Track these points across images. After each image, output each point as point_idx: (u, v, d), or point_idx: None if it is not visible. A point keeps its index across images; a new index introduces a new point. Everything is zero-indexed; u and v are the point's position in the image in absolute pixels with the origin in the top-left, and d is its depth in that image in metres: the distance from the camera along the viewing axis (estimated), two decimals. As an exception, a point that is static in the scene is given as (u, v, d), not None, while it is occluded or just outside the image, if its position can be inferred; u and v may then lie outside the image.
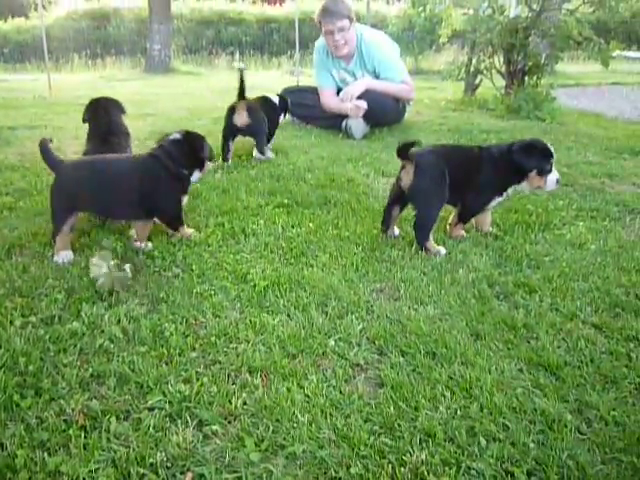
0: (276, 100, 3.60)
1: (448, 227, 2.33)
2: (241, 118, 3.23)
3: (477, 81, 6.54)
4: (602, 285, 1.89)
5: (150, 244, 2.12)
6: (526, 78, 5.72)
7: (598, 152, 3.87)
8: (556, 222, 2.46)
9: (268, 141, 3.51)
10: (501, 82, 5.97)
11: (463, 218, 2.30)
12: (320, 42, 4.47)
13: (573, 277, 1.95)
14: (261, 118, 3.30)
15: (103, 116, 2.69)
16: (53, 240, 2.02)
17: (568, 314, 1.71)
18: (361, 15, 11.21)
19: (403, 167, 2.17)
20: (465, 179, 2.21)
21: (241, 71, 3.28)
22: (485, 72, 6.12)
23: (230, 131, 3.30)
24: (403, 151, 2.14)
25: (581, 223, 2.46)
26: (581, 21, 5.51)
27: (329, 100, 4.38)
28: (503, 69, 5.88)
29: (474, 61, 6.33)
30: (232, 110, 3.27)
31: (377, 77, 4.33)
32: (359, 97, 4.15)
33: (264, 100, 3.55)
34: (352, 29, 4.19)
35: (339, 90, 4.41)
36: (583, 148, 3.97)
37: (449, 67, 6.52)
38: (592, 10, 5.39)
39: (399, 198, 2.20)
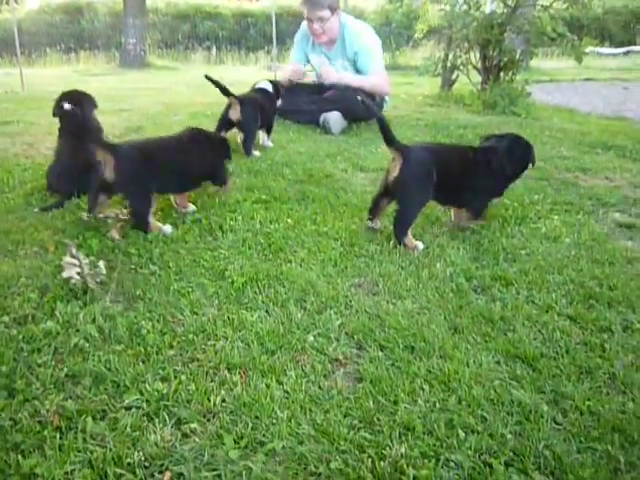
0: (270, 88, 3.60)
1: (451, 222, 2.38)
2: (235, 113, 3.26)
3: (454, 77, 6.58)
4: (576, 277, 1.92)
5: (193, 206, 2.37)
6: (502, 74, 5.77)
7: (572, 147, 3.93)
8: (531, 216, 2.49)
9: (269, 131, 3.58)
10: (477, 78, 6.02)
11: (473, 217, 2.33)
12: (304, 24, 4.54)
13: (548, 270, 1.98)
14: (252, 114, 3.31)
15: (75, 110, 2.63)
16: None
17: (544, 306, 1.74)
18: (338, 10, 11.15)
19: (393, 159, 2.17)
20: (457, 180, 2.22)
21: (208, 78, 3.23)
22: (461, 68, 6.17)
23: (222, 124, 3.35)
24: (392, 141, 2.13)
25: (556, 217, 2.50)
26: (555, 17, 5.58)
27: (286, 70, 4.59)
28: (479, 65, 5.93)
29: (450, 57, 6.37)
30: (229, 105, 3.31)
31: (355, 65, 4.37)
32: (333, 89, 4.21)
33: (259, 92, 3.57)
34: (334, 19, 4.23)
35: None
36: (557, 143, 4.03)
37: (426, 62, 6.55)
38: (566, 7, 5.46)
39: (387, 190, 2.20)
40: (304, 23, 4.55)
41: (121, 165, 2.11)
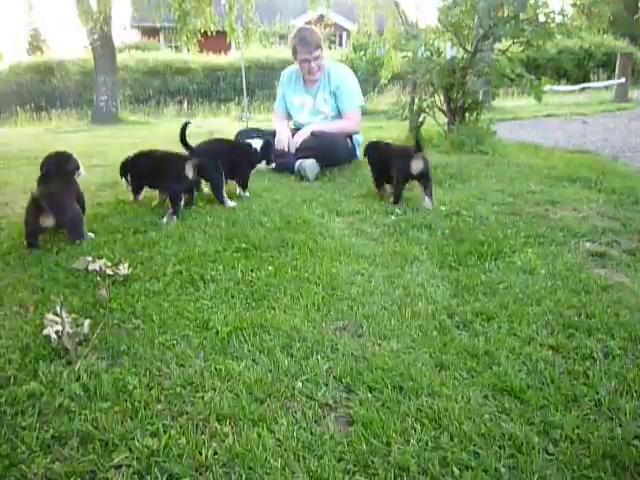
0: (258, 146, 3.65)
1: None
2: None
3: (421, 119, 6.78)
4: (555, 308, 1.97)
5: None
6: (467, 114, 5.98)
7: (539, 181, 4.06)
8: (506, 250, 2.55)
9: (241, 185, 3.59)
10: (444, 119, 6.22)
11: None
12: (287, 70, 4.79)
13: (527, 302, 2.02)
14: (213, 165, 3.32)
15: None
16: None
17: (526, 338, 1.77)
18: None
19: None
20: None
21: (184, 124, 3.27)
22: (428, 110, 6.37)
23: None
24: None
25: (530, 249, 2.56)
26: (513, 59, 5.85)
27: (276, 121, 4.82)
28: (444, 107, 6.14)
29: (416, 100, 6.59)
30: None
31: (335, 99, 4.60)
32: (308, 138, 4.34)
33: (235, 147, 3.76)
34: (322, 56, 4.51)
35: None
36: (525, 178, 4.15)
37: (393, 107, 6.75)
38: (522, 49, 5.73)
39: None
40: (283, 72, 4.81)
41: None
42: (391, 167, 3.39)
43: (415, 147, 3.30)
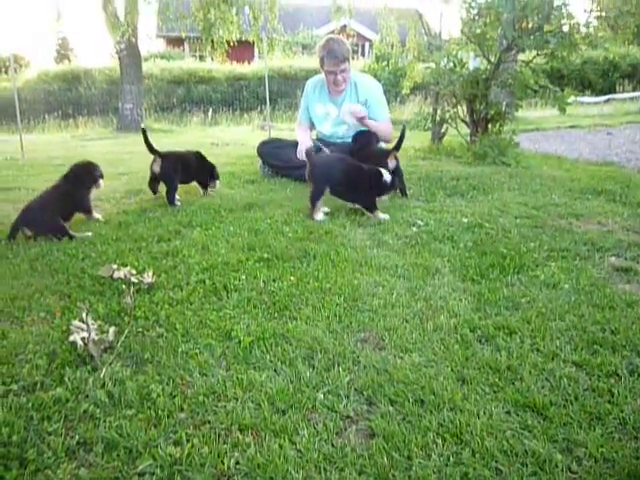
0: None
1: None
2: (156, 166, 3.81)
3: (443, 130, 6.78)
4: (578, 323, 1.95)
5: None
6: (489, 126, 5.96)
7: (563, 193, 4.03)
8: (529, 264, 2.53)
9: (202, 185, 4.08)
10: (466, 130, 6.21)
11: None
12: (312, 79, 4.79)
13: (550, 317, 2.00)
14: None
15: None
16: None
17: (549, 354, 1.75)
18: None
19: None
20: None
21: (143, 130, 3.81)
22: (450, 121, 6.37)
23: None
24: None
25: (553, 263, 2.54)
26: (536, 71, 5.82)
27: (299, 133, 4.79)
28: (467, 118, 6.13)
29: (439, 111, 6.59)
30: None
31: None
32: (328, 146, 4.43)
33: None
34: (350, 67, 4.49)
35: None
36: (549, 190, 4.12)
37: (416, 117, 6.76)
38: (545, 61, 5.70)
39: None
40: (308, 82, 4.81)
41: None
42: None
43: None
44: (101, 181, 3.32)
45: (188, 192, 4.02)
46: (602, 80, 19.35)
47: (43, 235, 2.92)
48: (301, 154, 4.42)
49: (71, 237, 2.92)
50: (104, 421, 1.41)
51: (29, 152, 7.40)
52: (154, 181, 3.87)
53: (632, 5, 10.04)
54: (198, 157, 4.07)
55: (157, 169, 3.74)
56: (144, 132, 3.81)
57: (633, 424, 1.40)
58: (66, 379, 1.59)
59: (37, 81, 17.44)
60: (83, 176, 3.26)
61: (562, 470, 1.24)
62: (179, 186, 3.81)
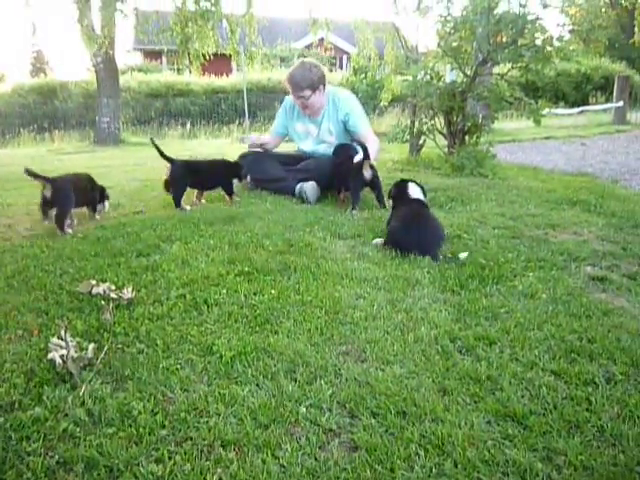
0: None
1: None
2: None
3: (421, 142, 6.85)
4: (556, 332, 1.98)
5: None
6: (467, 137, 6.04)
7: (539, 204, 4.10)
8: (507, 274, 2.56)
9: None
10: (444, 142, 6.29)
11: None
12: (290, 98, 4.79)
13: (529, 327, 2.03)
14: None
15: None
16: None
17: (528, 363, 1.78)
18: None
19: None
20: None
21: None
22: (428, 133, 6.44)
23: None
24: None
25: (531, 274, 2.58)
26: (512, 83, 5.94)
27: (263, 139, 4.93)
28: (445, 130, 6.21)
29: (417, 123, 6.66)
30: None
31: (345, 126, 4.61)
32: (309, 161, 4.43)
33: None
34: (316, 96, 4.50)
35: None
36: (525, 201, 4.19)
37: (394, 129, 6.82)
38: (521, 74, 5.81)
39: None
40: (287, 97, 4.85)
41: None
42: None
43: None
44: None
45: (166, 207, 4.00)
46: (575, 92, 19.78)
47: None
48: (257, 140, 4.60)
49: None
50: (84, 440, 1.39)
51: (4, 167, 7.30)
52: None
53: (603, 19, 10.31)
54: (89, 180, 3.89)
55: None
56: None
57: (611, 431, 1.43)
58: (45, 398, 1.56)
59: (12, 94, 17.22)
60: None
61: (542, 479, 1.25)
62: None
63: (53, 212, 3.37)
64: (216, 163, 4.32)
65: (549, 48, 5.55)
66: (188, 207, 3.90)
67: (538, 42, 5.63)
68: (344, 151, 4.25)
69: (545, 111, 6.26)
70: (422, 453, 1.34)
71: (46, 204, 3.40)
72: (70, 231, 3.34)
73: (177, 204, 3.88)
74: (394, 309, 2.19)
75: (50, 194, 3.34)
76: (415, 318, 2.10)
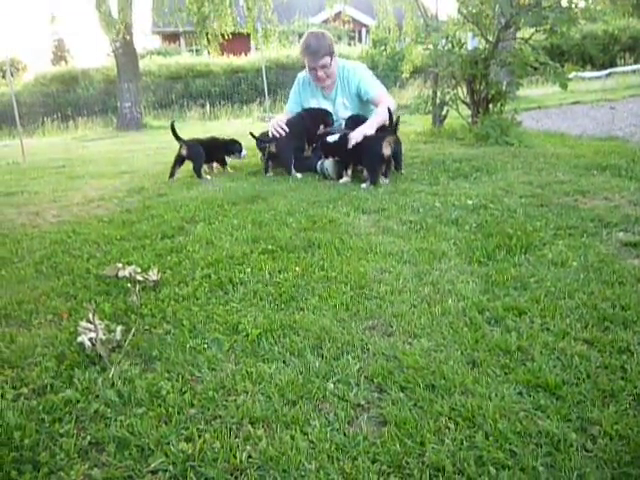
0: None
1: None
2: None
3: (444, 112, 6.72)
4: (588, 300, 1.92)
5: None
6: (490, 106, 5.90)
7: (567, 170, 3.98)
8: (536, 243, 2.50)
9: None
10: (467, 111, 6.15)
11: None
12: (302, 74, 4.75)
13: (559, 295, 1.98)
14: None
15: None
16: None
17: (559, 332, 1.73)
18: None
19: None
20: None
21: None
22: (450, 103, 6.31)
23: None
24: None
25: (560, 242, 2.51)
26: (536, 48, 5.75)
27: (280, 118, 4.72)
28: (468, 99, 6.07)
29: (439, 93, 6.52)
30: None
31: (359, 97, 4.54)
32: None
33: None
34: (333, 62, 4.45)
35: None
36: (553, 168, 4.08)
37: (416, 101, 6.70)
38: (545, 37, 5.62)
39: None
40: (300, 75, 4.79)
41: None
42: None
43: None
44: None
45: (191, 188, 4.01)
46: (603, 54, 19.13)
47: None
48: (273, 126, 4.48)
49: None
50: (115, 420, 1.41)
51: (30, 155, 7.41)
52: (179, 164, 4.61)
53: (631, -24, 9.89)
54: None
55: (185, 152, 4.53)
56: (172, 125, 4.64)
57: (647, 400, 1.39)
58: (75, 380, 1.59)
59: (35, 84, 17.44)
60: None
61: (577, 449, 1.22)
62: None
63: (177, 173, 4.57)
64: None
65: (574, 9, 5.35)
66: (208, 177, 4.53)
67: (563, 2, 5.43)
68: (357, 121, 4.20)
69: (571, 75, 6.06)
70: (452, 426, 1.32)
71: (181, 162, 4.54)
72: (208, 177, 4.51)
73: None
74: (420, 282, 2.16)
75: (186, 152, 4.48)
76: (442, 291, 2.06)
